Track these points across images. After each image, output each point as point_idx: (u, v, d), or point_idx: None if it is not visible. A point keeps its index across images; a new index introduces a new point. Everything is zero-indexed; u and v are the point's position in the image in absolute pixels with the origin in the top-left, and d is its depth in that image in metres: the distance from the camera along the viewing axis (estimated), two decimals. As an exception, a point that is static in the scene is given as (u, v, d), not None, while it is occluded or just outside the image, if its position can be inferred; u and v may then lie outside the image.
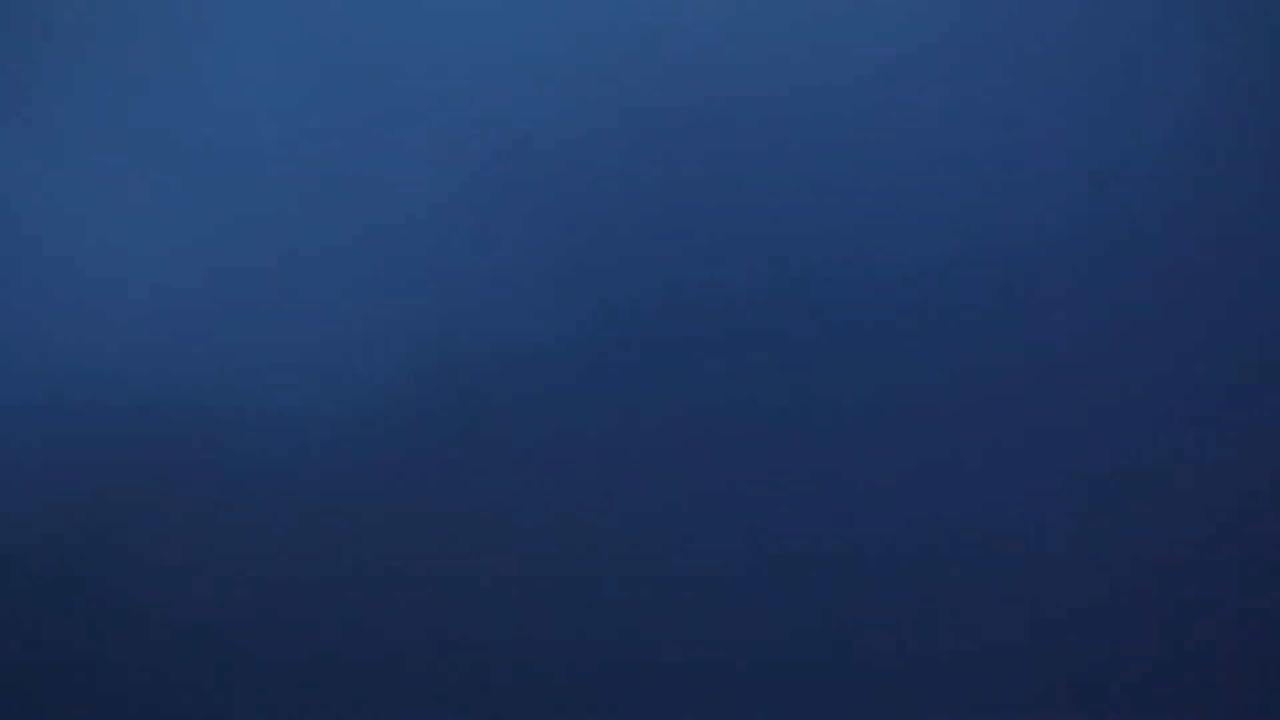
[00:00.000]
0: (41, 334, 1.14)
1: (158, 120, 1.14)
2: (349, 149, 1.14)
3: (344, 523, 1.13)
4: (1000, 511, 1.10)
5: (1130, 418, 1.10)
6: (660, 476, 1.12)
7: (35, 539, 1.13)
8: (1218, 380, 1.10)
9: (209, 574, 1.12)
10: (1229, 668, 1.09)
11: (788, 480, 1.11)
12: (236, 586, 1.12)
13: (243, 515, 1.13)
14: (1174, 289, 1.11)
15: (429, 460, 1.12)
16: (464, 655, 1.11)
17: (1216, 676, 1.09)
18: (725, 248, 1.12)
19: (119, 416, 1.13)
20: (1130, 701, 1.09)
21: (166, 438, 1.13)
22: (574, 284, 1.13)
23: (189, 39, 1.15)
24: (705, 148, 1.13)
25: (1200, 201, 1.11)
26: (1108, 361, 1.11)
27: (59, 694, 1.12)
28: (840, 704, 1.09)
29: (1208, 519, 1.10)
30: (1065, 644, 1.10)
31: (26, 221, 1.15)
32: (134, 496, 1.13)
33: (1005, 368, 1.10)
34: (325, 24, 1.15)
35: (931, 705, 1.10)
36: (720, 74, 1.13)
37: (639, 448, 1.12)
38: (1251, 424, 1.10)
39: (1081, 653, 1.09)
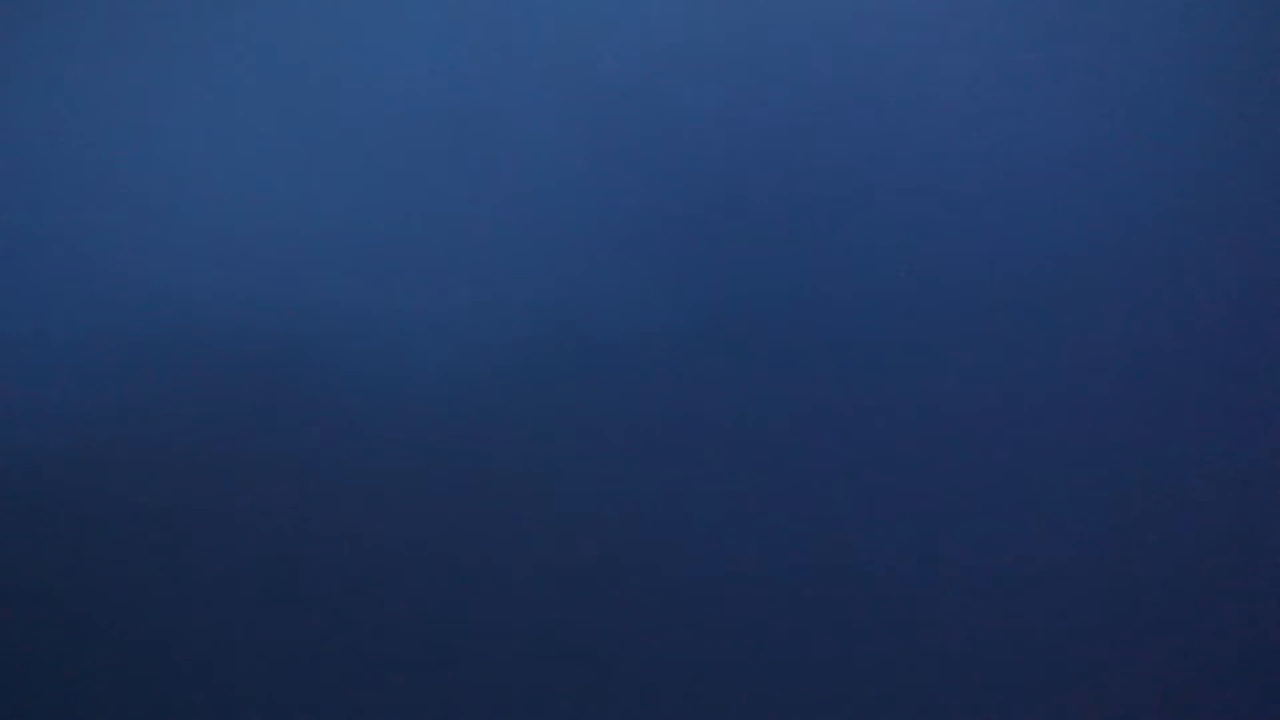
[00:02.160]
0: (150, 275, 1.14)
1: (295, 79, 1.14)
2: (483, 123, 1.13)
3: (434, 490, 1.12)
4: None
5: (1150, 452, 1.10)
6: (759, 472, 1.10)
7: (122, 481, 1.13)
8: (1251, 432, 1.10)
9: (294, 531, 1.12)
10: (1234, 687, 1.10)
11: (894, 484, 1.10)
12: (322, 545, 1.12)
13: (334, 472, 1.12)
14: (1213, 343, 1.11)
15: (525, 437, 1.11)
16: (557, 639, 1.11)
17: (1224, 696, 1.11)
18: (845, 250, 1.11)
19: (224, 361, 1.12)
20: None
21: (268, 387, 1.12)
22: (689, 276, 1.12)
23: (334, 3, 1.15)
24: (827, 150, 1.12)
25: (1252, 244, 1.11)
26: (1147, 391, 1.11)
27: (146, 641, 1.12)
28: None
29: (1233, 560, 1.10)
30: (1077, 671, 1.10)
31: (142, 165, 1.15)
32: (230, 442, 1.12)
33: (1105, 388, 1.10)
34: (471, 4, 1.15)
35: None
36: (838, 83, 1.12)
37: (739, 443, 1.10)
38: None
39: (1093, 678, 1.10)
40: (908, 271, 1.10)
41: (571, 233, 1.12)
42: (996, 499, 1.10)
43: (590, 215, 1.13)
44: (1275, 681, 1.08)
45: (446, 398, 1.12)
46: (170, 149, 1.15)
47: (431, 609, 1.11)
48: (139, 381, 1.13)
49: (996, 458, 1.10)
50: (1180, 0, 1.12)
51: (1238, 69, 1.11)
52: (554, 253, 1.12)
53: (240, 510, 1.12)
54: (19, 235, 1.14)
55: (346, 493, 1.12)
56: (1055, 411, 1.11)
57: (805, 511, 1.10)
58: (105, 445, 1.13)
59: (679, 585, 1.10)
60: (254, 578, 1.12)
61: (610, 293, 1.12)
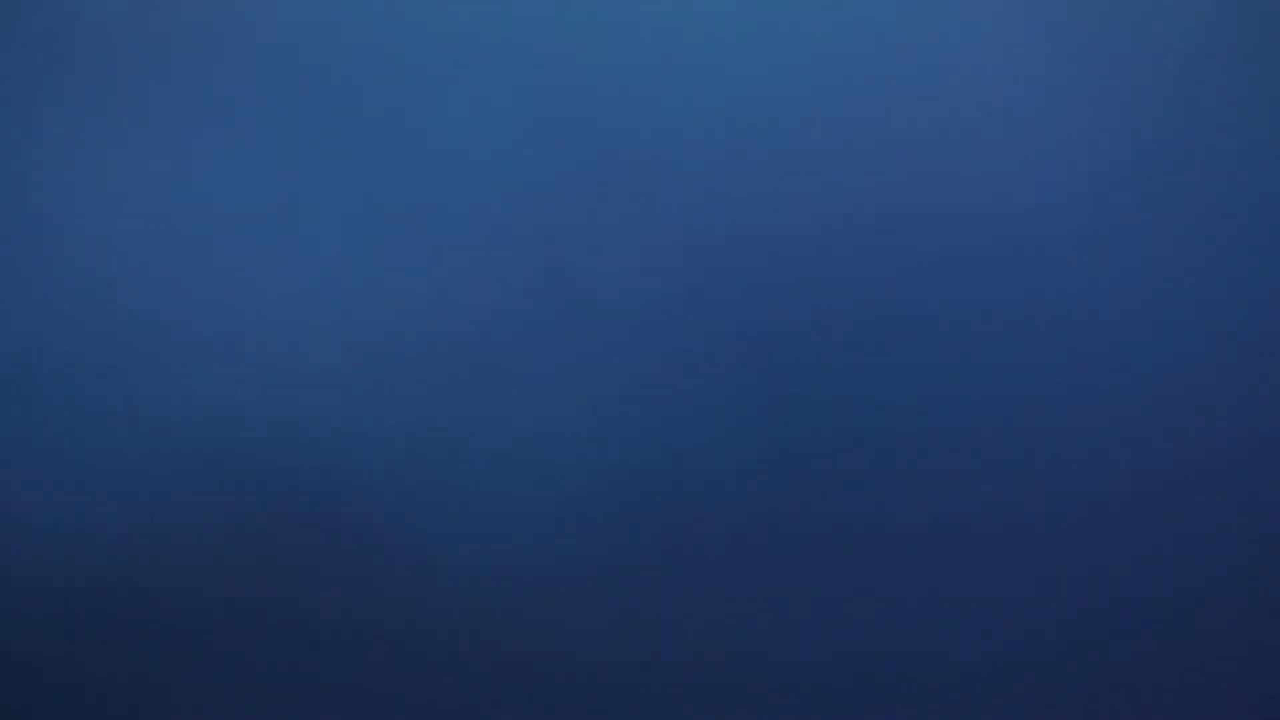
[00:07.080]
0: (220, 395, 1.12)
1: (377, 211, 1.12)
2: (556, 241, 1.11)
3: (513, 619, 1.10)
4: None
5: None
6: (841, 584, 1.09)
7: (177, 607, 1.11)
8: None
9: (369, 669, 1.10)
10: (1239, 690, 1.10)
11: (975, 586, 1.09)
12: (397, 687, 1.10)
13: (413, 607, 1.10)
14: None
15: (606, 561, 1.10)
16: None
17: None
18: (919, 360, 1.10)
19: (290, 488, 1.10)
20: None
21: (337, 516, 1.10)
22: (764, 390, 1.10)
23: (410, 120, 1.13)
24: (906, 261, 1.11)
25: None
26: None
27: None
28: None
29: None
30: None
31: (193, 277, 1.13)
32: (291, 574, 1.10)
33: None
34: (550, 126, 1.13)
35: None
36: (923, 193, 1.11)
37: (824, 553, 1.09)
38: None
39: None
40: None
41: (647, 351, 1.10)
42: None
43: (666, 335, 1.10)
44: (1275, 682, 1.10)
45: (528, 527, 1.10)
46: (231, 285, 1.12)
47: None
48: (180, 506, 1.11)
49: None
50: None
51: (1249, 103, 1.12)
52: (630, 373, 1.10)
53: (280, 638, 1.10)
54: (61, 359, 1.12)
55: (425, 629, 1.09)
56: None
57: (867, 653, 1.09)
58: (142, 569, 1.10)
59: (786, 697, 1.09)
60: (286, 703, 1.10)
61: (686, 408, 1.10)
